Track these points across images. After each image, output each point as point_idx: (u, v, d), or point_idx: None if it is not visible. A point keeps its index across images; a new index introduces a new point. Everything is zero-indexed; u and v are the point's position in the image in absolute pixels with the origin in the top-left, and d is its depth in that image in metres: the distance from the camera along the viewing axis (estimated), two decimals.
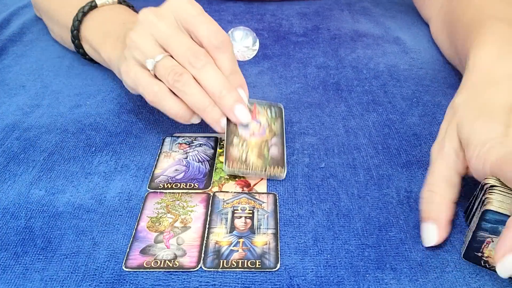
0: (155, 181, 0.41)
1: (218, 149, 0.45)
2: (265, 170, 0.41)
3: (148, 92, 0.42)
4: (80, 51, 0.56)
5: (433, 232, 0.35)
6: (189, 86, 0.40)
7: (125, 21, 0.51)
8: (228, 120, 0.42)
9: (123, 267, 0.34)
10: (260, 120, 0.44)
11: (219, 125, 0.42)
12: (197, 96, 0.41)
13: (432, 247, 0.36)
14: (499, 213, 0.32)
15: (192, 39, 0.42)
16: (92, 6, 0.53)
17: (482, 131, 0.34)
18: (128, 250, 0.35)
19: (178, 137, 0.47)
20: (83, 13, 0.53)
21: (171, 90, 0.42)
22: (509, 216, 0.32)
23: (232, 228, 0.37)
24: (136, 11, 0.57)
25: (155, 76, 0.42)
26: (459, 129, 0.36)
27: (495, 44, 0.41)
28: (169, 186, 0.41)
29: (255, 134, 0.43)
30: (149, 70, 0.42)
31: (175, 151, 0.45)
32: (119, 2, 0.55)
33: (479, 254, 0.34)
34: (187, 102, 0.41)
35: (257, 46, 0.61)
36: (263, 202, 0.39)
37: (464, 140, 0.35)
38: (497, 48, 0.40)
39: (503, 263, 0.29)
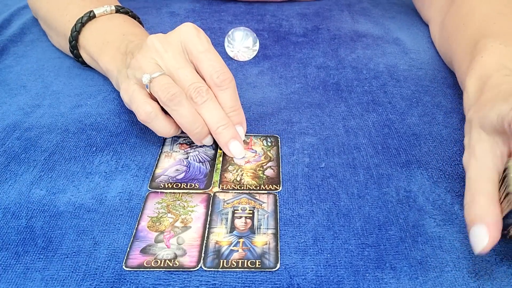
0: (156, 181, 0.42)
1: (218, 149, 0.45)
2: (260, 188, 0.41)
3: (141, 112, 0.42)
4: (79, 60, 0.56)
5: (481, 233, 0.31)
6: (182, 107, 0.41)
7: (125, 33, 0.51)
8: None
9: (124, 267, 0.34)
10: (256, 149, 0.45)
11: (201, 143, 0.45)
12: (188, 118, 0.42)
13: (433, 246, 0.36)
14: None
15: (196, 71, 0.43)
16: (91, 17, 0.53)
17: (506, 103, 0.33)
18: (128, 249, 0.35)
19: (179, 137, 0.47)
20: (82, 23, 0.53)
21: (162, 109, 0.42)
22: None
23: (232, 228, 0.37)
24: (136, 16, 0.57)
25: (151, 95, 0.43)
26: (485, 122, 0.35)
27: (491, 67, 0.41)
28: (170, 186, 0.41)
29: (251, 161, 0.44)
30: (146, 90, 0.43)
31: (176, 151, 0.45)
32: (117, 11, 0.55)
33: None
34: (178, 121, 0.42)
35: (257, 47, 0.61)
36: (263, 202, 0.40)
37: (497, 119, 0.33)
38: (490, 73, 0.41)
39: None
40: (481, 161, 0.34)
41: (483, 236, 0.31)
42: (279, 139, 0.47)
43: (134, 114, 0.50)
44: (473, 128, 0.36)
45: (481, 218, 0.32)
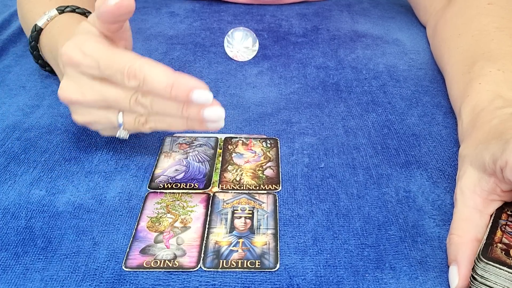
0: (155, 181, 0.42)
1: (218, 149, 0.45)
2: (260, 188, 0.41)
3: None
4: (39, 62, 0.54)
5: (453, 273, 0.33)
6: (159, 120, 0.38)
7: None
8: (223, 151, 0.44)
9: (123, 267, 0.34)
10: (255, 150, 0.45)
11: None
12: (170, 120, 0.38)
13: (433, 246, 0.36)
14: None
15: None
16: (38, 30, 0.51)
17: (500, 143, 0.34)
18: (128, 250, 0.35)
19: (179, 137, 0.47)
20: (33, 39, 0.51)
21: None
22: None
23: (232, 228, 0.37)
24: (85, 11, 0.52)
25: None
26: (477, 162, 0.36)
27: (486, 97, 0.42)
28: (169, 186, 0.41)
29: (250, 161, 0.44)
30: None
31: (175, 151, 0.45)
32: (62, 11, 0.50)
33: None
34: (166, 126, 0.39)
35: (257, 47, 0.61)
36: (263, 202, 0.40)
37: (492, 158, 0.34)
38: (487, 101, 0.41)
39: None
40: (462, 201, 0.36)
41: (454, 276, 0.33)
42: (279, 142, 0.47)
43: None
44: (464, 164, 0.38)
45: (454, 259, 0.33)
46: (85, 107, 0.39)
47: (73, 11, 0.52)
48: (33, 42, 0.52)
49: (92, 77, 0.37)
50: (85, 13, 0.52)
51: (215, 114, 0.36)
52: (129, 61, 0.36)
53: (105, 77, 0.37)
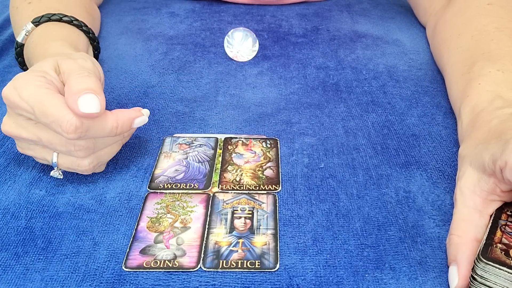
0: (155, 181, 0.42)
1: (218, 149, 0.45)
2: (259, 188, 0.41)
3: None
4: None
5: (453, 273, 0.33)
6: (87, 151, 0.38)
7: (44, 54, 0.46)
8: (223, 151, 0.45)
9: (123, 267, 0.34)
10: (255, 150, 0.45)
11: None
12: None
13: (433, 247, 0.36)
14: None
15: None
16: (19, 46, 0.51)
17: (499, 143, 0.34)
18: (128, 250, 0.35)
19: (178, 137, 0.47)
20: (18, 56, 0.52)
21: None
22: None
23: (232, 228, 0.37)
24: (61, 15, 0.51)
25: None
26: (477, 162, 0.36)
27: (486, 97, 0.42)
28: (169, 187, 0.41)
29: (250, 162, 0.44)
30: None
31: (175, 152, 0.45)
32: (38, 22, 0.49)
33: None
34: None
35: (256, 47, 0.61)
36: (263, 203, 0.40)
37: (492, 158, 0.34)
38: (487, 101, 0.41)
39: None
40: (462, 201, 0.36)
41: (454, 276, 0.33)
42: (279, 142, 0.47)
43: None
44: (464, 165, 0.38)
45: (454, 259, 0.33)
46: (25, 143, 0.39)
47: (49, 20, 0.50)
48: (19, 58, 0.52)
49: (28, 118, 0.37)
50: (71, 21, 0.51)
51: (143, 121, 0.40)
52: (66, 115, 0.35)
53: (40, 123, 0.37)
